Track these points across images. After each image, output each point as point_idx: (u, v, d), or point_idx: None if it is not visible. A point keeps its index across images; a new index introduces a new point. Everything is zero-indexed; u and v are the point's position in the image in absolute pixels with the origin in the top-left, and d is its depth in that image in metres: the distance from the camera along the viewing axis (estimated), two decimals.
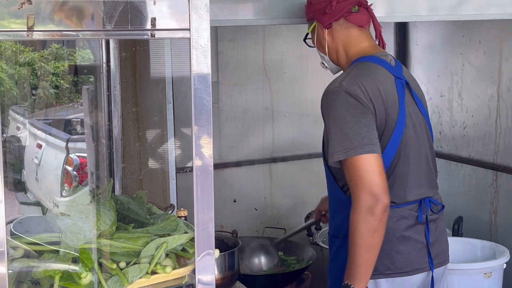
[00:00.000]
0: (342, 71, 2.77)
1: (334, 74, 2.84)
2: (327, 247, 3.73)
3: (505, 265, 3.52)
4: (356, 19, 2.70)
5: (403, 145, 2.61)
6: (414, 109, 2.68)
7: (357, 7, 2.70)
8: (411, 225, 2.65)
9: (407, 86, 2.68)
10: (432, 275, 2.69)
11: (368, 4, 2.77)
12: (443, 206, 2.77)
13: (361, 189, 2.44)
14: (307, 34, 2.86)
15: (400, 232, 2.62)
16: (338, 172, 2.60)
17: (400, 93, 2.62)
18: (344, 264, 2.55)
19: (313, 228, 4.10)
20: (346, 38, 2.72)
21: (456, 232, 3.93)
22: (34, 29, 1.55)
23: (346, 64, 2.74)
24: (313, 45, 2.84)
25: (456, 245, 3.68)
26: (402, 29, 4.80)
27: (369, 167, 2.46)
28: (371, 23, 2.77)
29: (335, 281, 2.68)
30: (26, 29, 1.55)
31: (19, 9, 1.54)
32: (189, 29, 1.65)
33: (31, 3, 1.55)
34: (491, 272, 3.42)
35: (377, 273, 2.59)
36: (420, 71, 4.73)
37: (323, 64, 2.86)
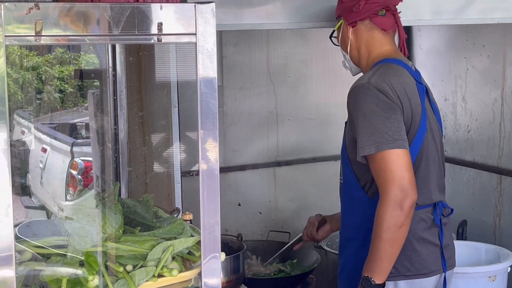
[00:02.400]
0: (361, 73, 2.80)
1: (353, 75, 2.86)
2: (332, 250, 3.75)
3: (509, 268, 3.52)
4: (380, 23, 2.75)
5: (425, 147, 2.64)
6: (432, 115, 2.72)
7: (384, 11, 2.75)
8: (428, 227, 2.67)
9: (426, 92, 2.72)
10: (445, 277, 2.71)
11: (398, 11, 2.80)
12: (452, 210, 2.79)
13: (392, 183, 2.46)
14: (333, 32, 2.90)
15: (419, 233, 2.65)
16: (361, 169, 2.62)
17: (421, 97, 2.66)
18: (362, 266, 2.56)
19: None
20: (368, 39, 2.76)
21: (461, 236, 3.92)
22: (42, 34, 1.57)
23: (366, 65, 2.78)
24: (338, 44, 2.87)
25: (460, 248, 3.67)
26: (406, 33, 4.80)
27: (400, 162, 2.48)
28: (396, 31, 2.81)
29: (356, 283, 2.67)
30: (34, 34, 1.56)
31: (27, 14, 1.56)
32: (195, 34, 1.66)
33: (39, 8, 1.57)
34: (495, 276, 3.42)
35: (397, 275, 2.61)
36: (424, 75, 4.67)
37: (344, 64, 2.89)
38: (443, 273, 2.70)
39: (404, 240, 2.51)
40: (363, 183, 2.65)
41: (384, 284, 2.53)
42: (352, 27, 2.76)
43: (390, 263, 2.52)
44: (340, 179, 2.80)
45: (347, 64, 2.88)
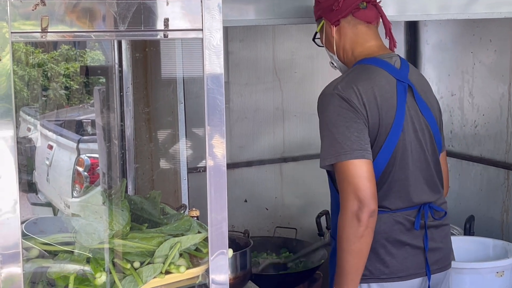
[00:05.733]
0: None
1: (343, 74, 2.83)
2: None
3: None
4: (364, 16, 2.69)
5: (399, 150, 2.59)
6: (416, 113, 2.66)
7: (365, 4, 2.69)
8: (407, 230, 2.63)
9: (409, 90, 2.65)
10: (429, 283, 2.66)
11: (377, 1, 2.75)
12: (445, 213, 2.74)
13: (348, 194, 2.45)
14: (315, 34, 2.85)
15: (395, 236, 2.61)
16: (334, 174, 2.60)
17: (400, 97, 2.60)
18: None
19: (324, 227, 4.11)
20: (353, 36, 2.70)
21: (468, 231, 3.91)
22: (48, 31, 1.56)
23: (351, 63, 2.73)
24: (322, 45, 2.84)
25: (467, 244, 3.68)
26: (412, 28, 4.79)
27: (357, 173, 2.45)
28: (380, 21, 2.75)
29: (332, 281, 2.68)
30: (40, 30, 1.56)
31: (33, 10, 1.55)
32: (202, 29, 1.66)
33: (44, 4, 1.56)
34: (503, 271, 3.41)
35: (371, 277, 2.59)
36: (431, 70, 4.73)
37: (332, 63, 2.85)
38: (427, 277, 2.65)
39: (367, 250, 2.49)
40: (337, 187, 2.62)
41: None
42: (335, 26, 2.71)
43: (357, 274, 2.51)
44: None
45: (335, 64, 2.84)
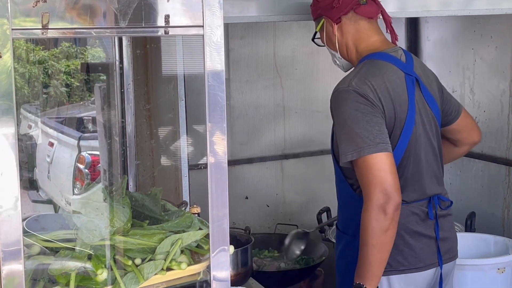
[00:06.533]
0: (353, 68, 2.76)
1: (345, 71, 2.82)
2: None
3: None
4: (364, 11, 2.69)
5: (412, 144, 2.60)
6: (424, 106, 2.67)
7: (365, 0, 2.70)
8: (422, 221, 2.65)
9: (417, 83, 2.66)
10: (441, 271, 2.69)
11: None
12: (451, 202, 2.76)
13: (374, 188, 2.43)
14: (315, 34, 2.85)
15: (411, 227, 2.63)
16: (347, 170, 2.60)
17: (409, 90, 2.61)
18: (352, 261, 2.55)
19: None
20: (355, 32, 2.71)
21: (469, 228, 3.91)
22: (49, 27, 1.56)
23: (356, 59, 2.73)
24: (323, 44, 2.83)
25: (469, 240, 3.67)
26: (413, 25, 4.79)
27: (382, 166, 2.45)
28: (380, 16, 2.76)
29: (344, 277, 2.68)
30: (41, 27, 1.56)
31: (33, 7, 1.55)
32: (203, 26, 1.65)
33: (45, 1, 1.56)
34: (504, 268, 3.40)
35: (390, 269, 2.59)
36: (432, 66, 4.69)
37: (335, 62, 2.85)
38: (439, 267, 2.68)
39: (392, 244, 2.49)
40: (351, 182, 2.64)
41: None
42: (336, 24, 2.70)
43: (380, 267, 2.50)
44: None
45: (337, 62, 2.83)
